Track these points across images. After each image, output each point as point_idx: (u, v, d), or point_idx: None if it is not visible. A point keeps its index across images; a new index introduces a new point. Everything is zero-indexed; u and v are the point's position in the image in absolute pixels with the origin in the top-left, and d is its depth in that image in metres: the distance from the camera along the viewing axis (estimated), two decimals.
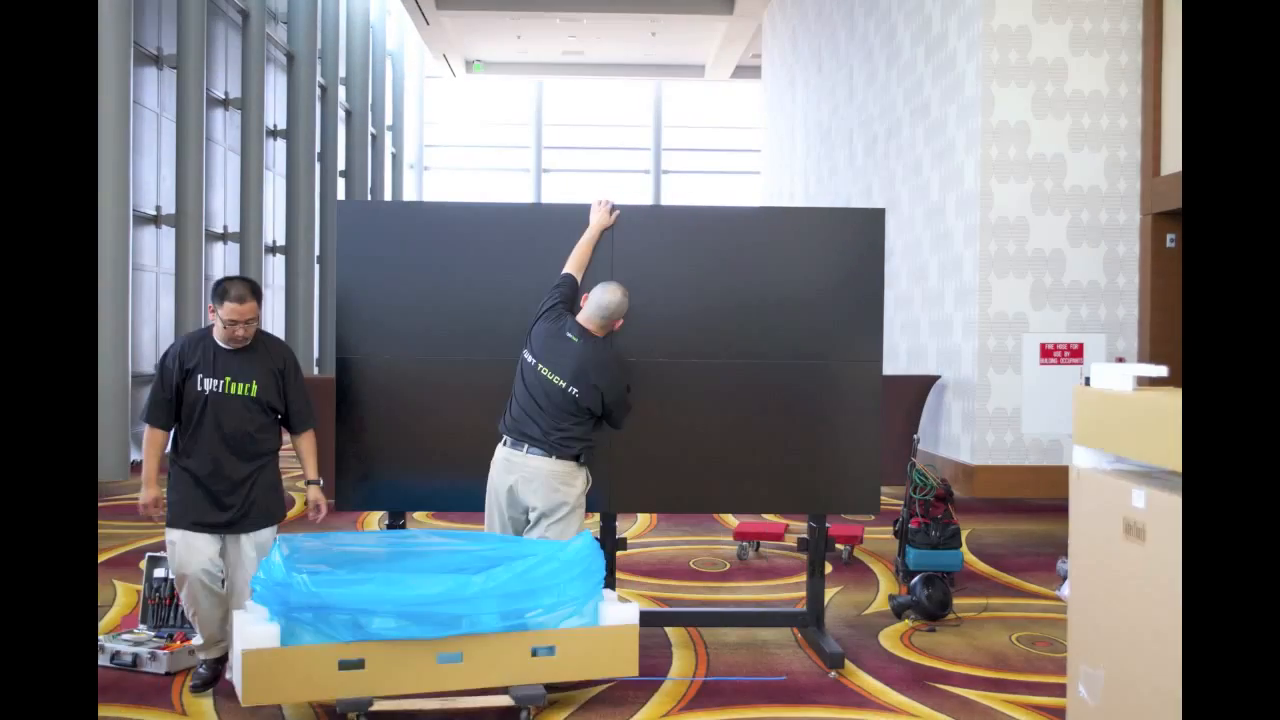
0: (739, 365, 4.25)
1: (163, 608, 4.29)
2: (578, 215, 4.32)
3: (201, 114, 11.46)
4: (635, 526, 7.08)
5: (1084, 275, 8.77)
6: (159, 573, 4.31)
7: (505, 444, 3.93)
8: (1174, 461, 2.16)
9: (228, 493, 3.86)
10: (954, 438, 9.22)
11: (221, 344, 3.87)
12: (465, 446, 4.22)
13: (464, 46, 22.53)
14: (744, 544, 6.07)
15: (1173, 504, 2.16)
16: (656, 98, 26.13)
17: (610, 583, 4.40)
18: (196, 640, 4.01)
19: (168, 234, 11.39)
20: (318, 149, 15.58)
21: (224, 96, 13.02)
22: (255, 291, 3.84)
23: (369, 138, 18.72)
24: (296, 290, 15.13)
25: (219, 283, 3.86)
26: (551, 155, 26.22)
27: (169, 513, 3.88)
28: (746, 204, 22.37)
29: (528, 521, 3.96)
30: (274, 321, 15.07)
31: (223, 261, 13.11)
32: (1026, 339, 8.73)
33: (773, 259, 4.28)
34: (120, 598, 5.00)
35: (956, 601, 5.14)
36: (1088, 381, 2.94)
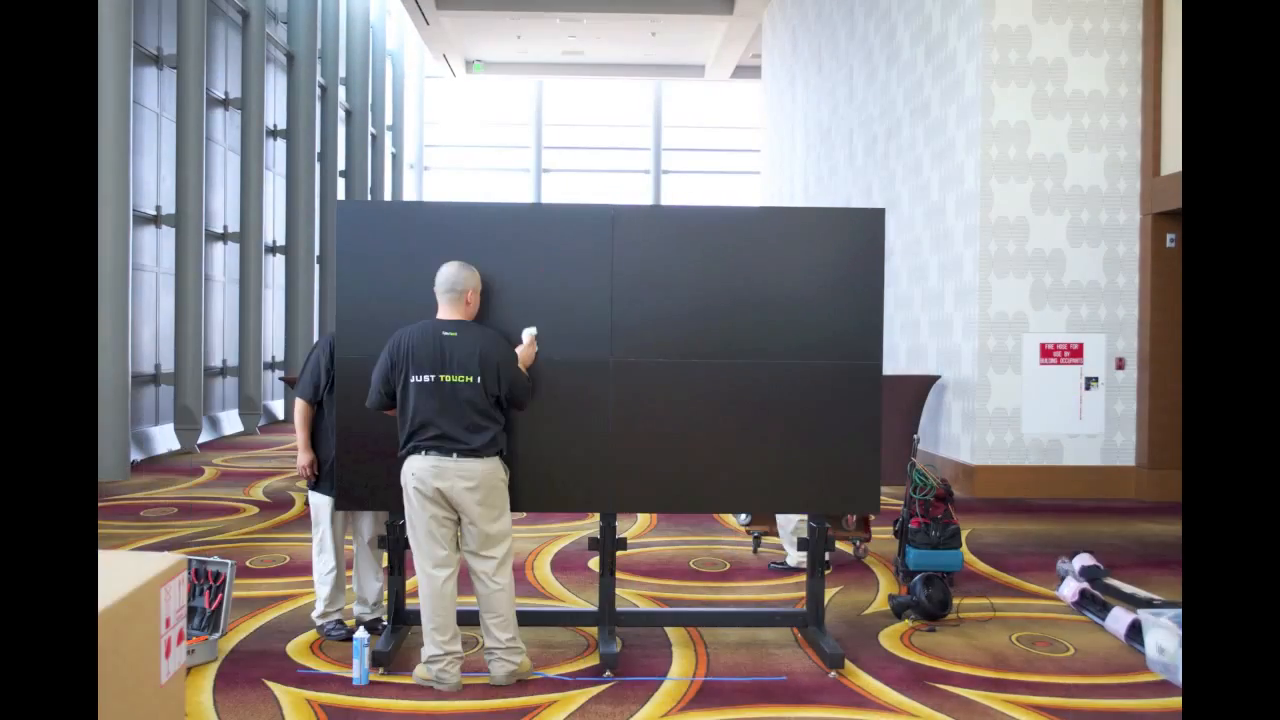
0: (739, 365, 4.25)
1: None
2: (578, 215, 4.32)
3: (201, 114, 11.46)
4: (635, 526, 7.08)
5: (1084, 275, 8.78)
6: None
7: (425, 454, 3.88)
8: None
9: None
10: (954, 438, 9.22)
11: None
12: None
13: (464, 46, 22.53)
14: (757, 533, 6.10)
15: None
16: (656, 98, 26.13)
17: (611, 583, 4.41)
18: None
19: (168, 234, 11.40)
20: (318, 149, 15.58)
21: (224, 96, 13.02)
22: None
23: (369, 138, 18.72)
24: (296, 290, 15.12)
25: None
26: (551, 155, 26.22)
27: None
28: (746, 204, 22.37)
29: (457, 521, 3.97)
30: (274, 321, 15.07)
31: (223, 261, 13.11)
32: (1026, 339, 8.73)
33: (773, 259, 4.28)
34: None
35: (959, 601, 5.14)
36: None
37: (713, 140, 26.23)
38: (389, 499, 4.27)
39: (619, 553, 4.47)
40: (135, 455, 10.00)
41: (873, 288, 4.29)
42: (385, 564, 4.53)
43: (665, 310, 4.23)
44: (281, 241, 15.12)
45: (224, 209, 13.10)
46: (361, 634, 4.04)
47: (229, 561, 4.43)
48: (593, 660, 4.26)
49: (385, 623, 4.42)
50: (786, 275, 4.28)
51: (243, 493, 8.47)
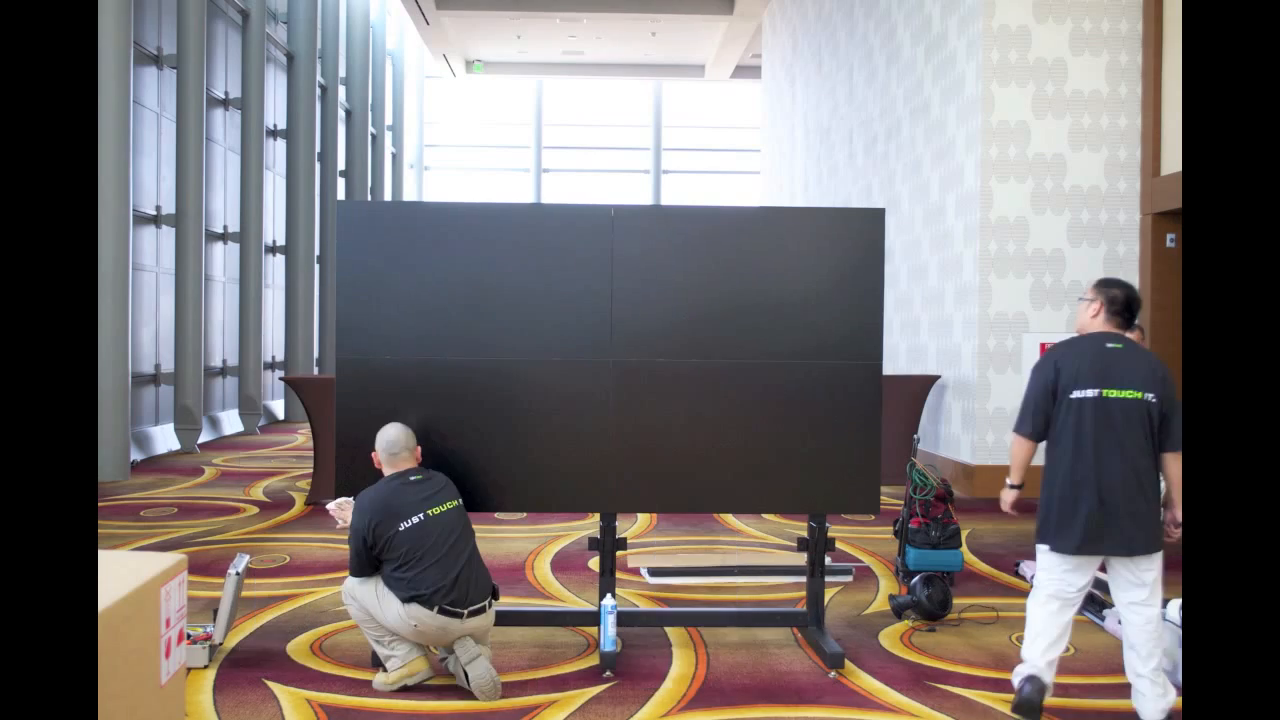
0: (739, 365, 4.25)
1: None
2: (578, 215, 4.32)
3: (201, 114, 11.46)
4: (635, 526, 7.07)
5: (1084, 275, 8.77)
6: None
7: (435, 610, 3.79)
8: None
9: None
10: (954, 438, 9.22)
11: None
12: (465, 446, 4.22)
13: (464, 46, 22.52)
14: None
15: None
16: (656, 98, 26.13)
17: (611, 583, 4.41)
18: None
19: (168, 234, 11.40)
20: (318, 149, 15.57)
21: (224, 96, 13.02)
22: None
23: (369, 138, 18.72)
24: (296, 290, 15.13)
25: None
26: (551, 155, 26.22)
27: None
28: (746, 204, 22.37)
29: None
30: (274, 321, 15.07)
31: (223, 261, 13.11)
32: (1026, 339, 8.72)
33: (773, 259, 4.28)
34: None
35: (962, 601, 5.14)
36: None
37: (713, 140, 26.22)
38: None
39: (619, 553, 4.47)
40: (135, 455, 10.01)
41: (873, 288, 4.29)
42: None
43: (665, 310, 4.23)
44: (281, 241, 15.12)
45: (224, 209, 13.10)
46: (609, 600, 4.11)
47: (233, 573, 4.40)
48: (593, 660, 4.26)
49: None
50: (786, 275, 4.28)
51: (243, 493, 8.47)
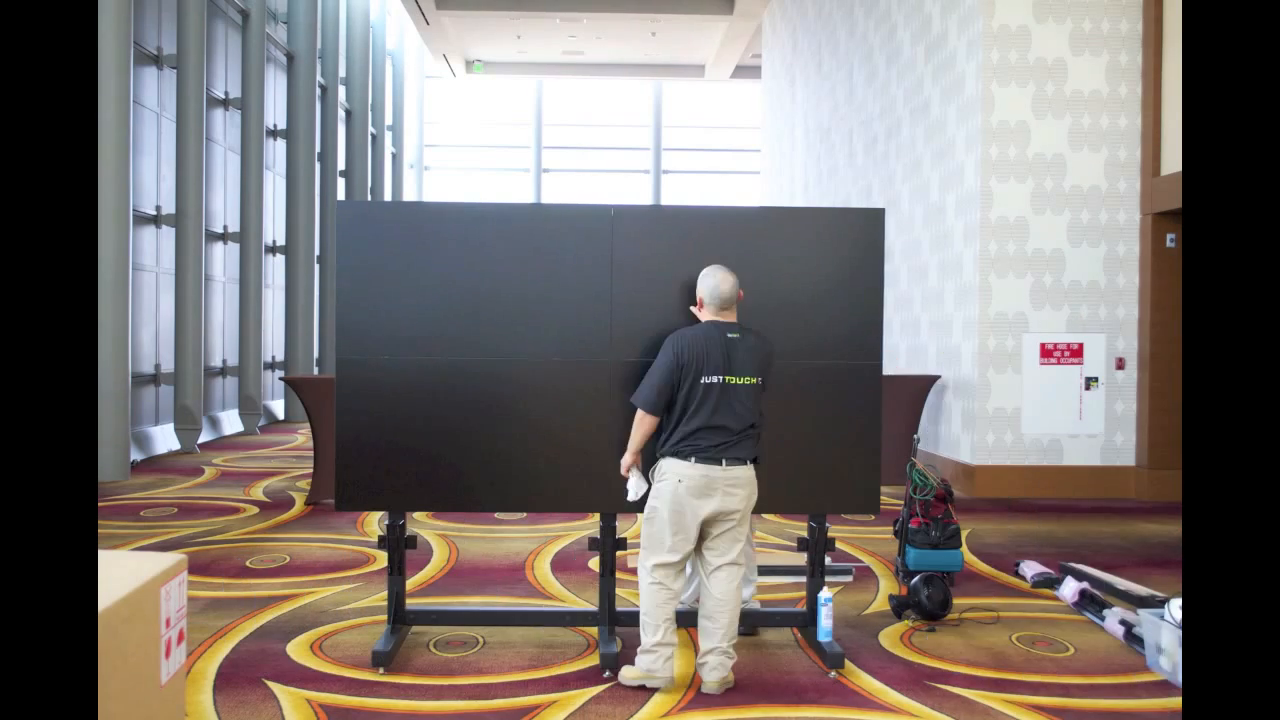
0: None
1: None
2: (578, 215, 4.31)
3: (201, 114, 11.46)
4: (635, 526, 7.08)
5: (1084, 275, 8.78)
6: None
7: (692, 461, 3.88)
8: None
9: None
10: (954, 438, 9.22)
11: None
12: (465, 447, 4.22)
13: (464, 46, 22.53)
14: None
15: None
16: (656, 98, 26.13)
17: (611, 583, 4.41)
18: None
19: (168, 234, 11.40)
20: (318, 149, 15.58)
21: (224, 96, 13.02)
22: None
23: (369, 138, 18.72)
24: (296, 290, 15.13)
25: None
26: (551, 155, 26.22)
27: None
28: (746, 204, 22.37)
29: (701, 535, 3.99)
30: (274, 321, 15.07)
31: (223, 261, 13.11)
32: (1026, 339, 8.73)
33: (773, 259, 4.28)
34: None
35: (962, 601, 5.14)
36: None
37: (713, 140, 26.23)
38: (389, 499, 4.28)
39: (619, 553, 4.47)
40: (135, 455, 10.01)
41: (873, 288, 4.29)
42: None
43: (665, 310, 4.23)
44: (281, 241, 15.12)
45: (224, 209, 13.10)
46: (825, 593, 4.26)
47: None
48: (593, 660, 4.26)
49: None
50: (786, 275, 4.28)
51: (243, 493, 8.48)
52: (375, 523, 6.99)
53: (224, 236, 13.09)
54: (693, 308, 4.09)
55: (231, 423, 13.09)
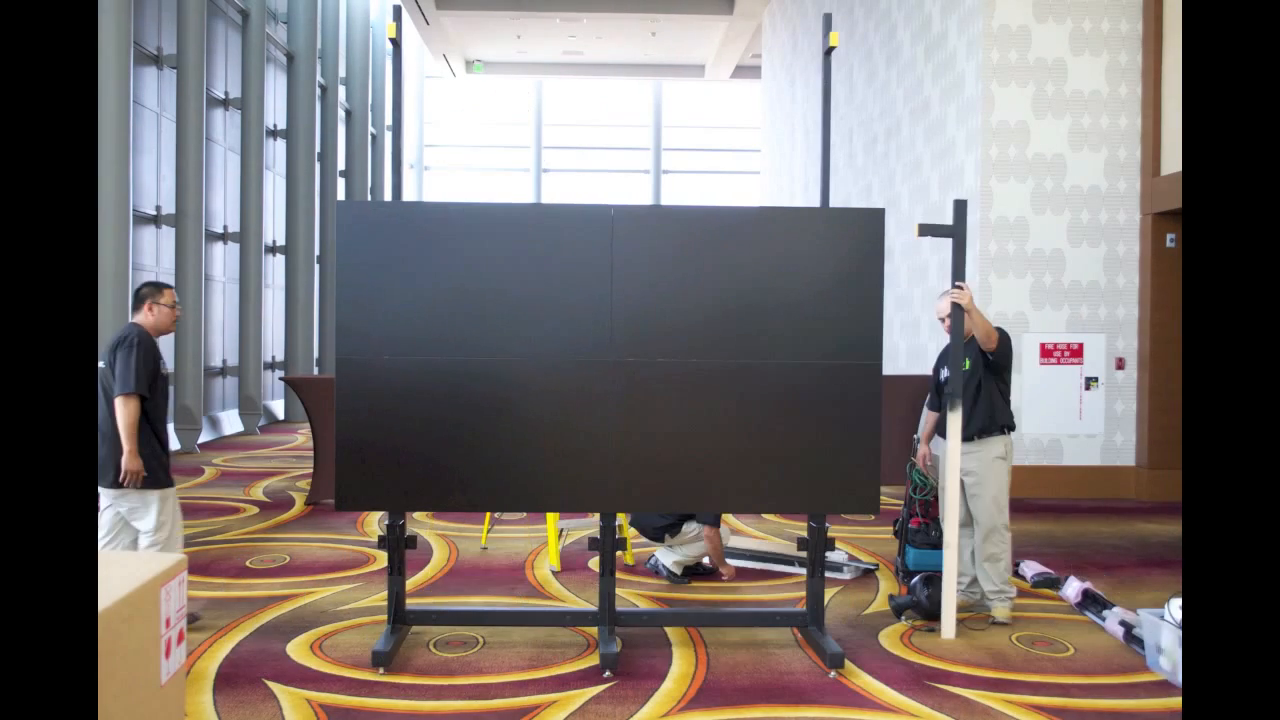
0: (739, 365, 4.25)
1: None
2: (578, 215, 4.31)
3: (201, 114, 11.46)
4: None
5: (1084, 275, 8.77)
6: None
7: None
8: None
9: None
10: None
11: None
12: (465, 447, 4.22)
13: (464, 46, 22.53)
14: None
15: None
16: (656, 98, 26.13)
17: (611, 583, 4.41)
18: None
19: (168, 234, 11.40)
20: (318, 149, 15.58)
21: (224, 96, 13.02)
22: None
23: (369, 138, 18.72)
24: (296, 290, 15.13)
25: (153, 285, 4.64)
26: (551, 155, 26.22)
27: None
28: (746, 204, 22.37)
29: None
30: (274, 321, 15.07)
31: (223, 261, 13.11)
32: (1026, 339, 8.72)
33: (773, 259, 4.27)
34: None
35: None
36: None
37: (713, 140, 26.23)
38: (389, 499, 4.27)
39: (619, 553, 4.47)
40: None
41: (873, 288, 4.29)
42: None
43: (665, 310, 4.23)
44: (281, 241, 15.12)
45: (224, 209, 13.10)
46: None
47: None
48: (593, 660, 4.26)
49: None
50: (786, 275, 4.28)
51: (243, 493, 8.48)
52: (375, 523, 6.99)
53: (224, 236, 13.08)
54: None
55: (231, 423, 13.09)
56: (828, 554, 4.79)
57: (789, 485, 4.31)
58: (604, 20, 20.17)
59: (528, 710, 3.74)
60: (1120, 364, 8.77)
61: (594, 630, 4.60)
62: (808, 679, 4.09)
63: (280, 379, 10.48)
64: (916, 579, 4.97)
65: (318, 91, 15.51)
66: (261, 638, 4.56)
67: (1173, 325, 8.58)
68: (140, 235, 10.73)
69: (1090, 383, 8.77)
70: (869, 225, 4.32)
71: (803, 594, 5.01)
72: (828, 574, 5.59)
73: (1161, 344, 8.63)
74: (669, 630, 4.67)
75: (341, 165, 17.56)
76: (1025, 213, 8.73)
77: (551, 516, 5.97)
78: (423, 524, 6.89)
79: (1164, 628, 4.16)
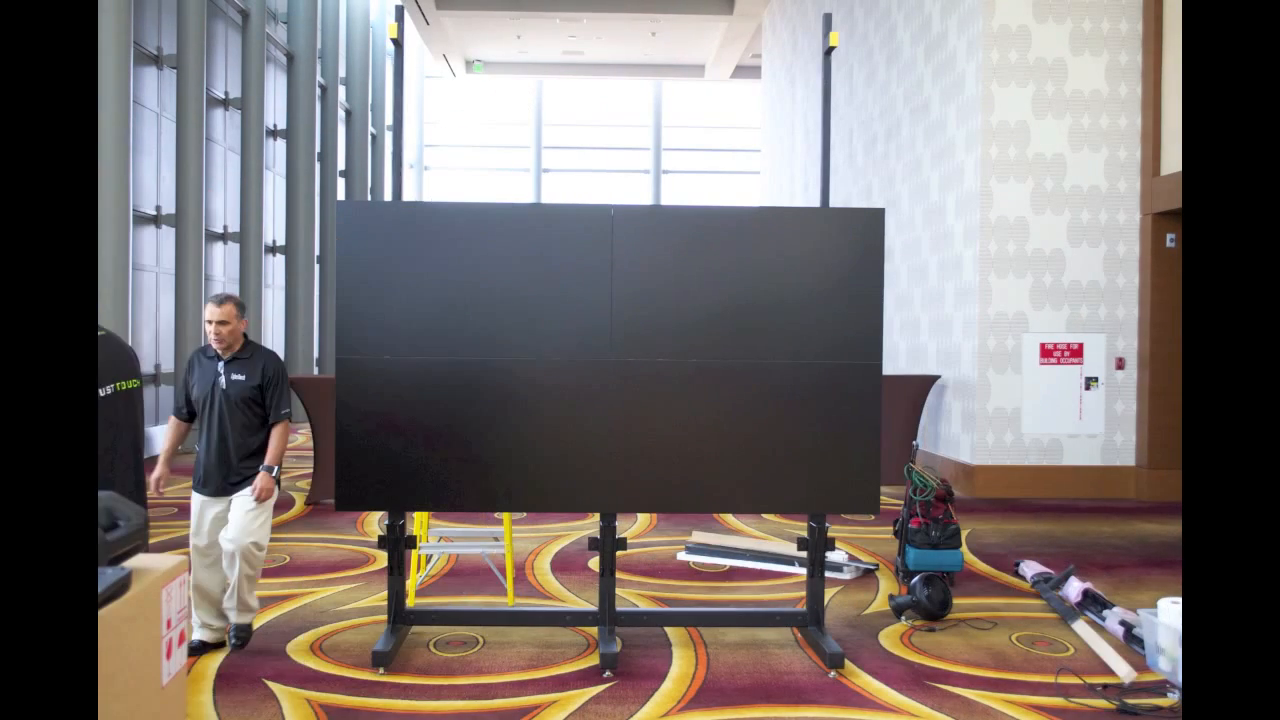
0: (739, 365, 4.25)
1: None
2: (578, 215, 4.31)
3: (201, 114, 11.46)
4: (635, 526, 7.08)
5: (1084, 275, 8.77)
6: None
7: None
8: None
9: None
10: (954, 438, 9.22)
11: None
12: (465, 446, 4.22)
13: (464, 46, 22.53)
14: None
15: None
16: (656, 98, 26.13)
17: (611, 583, 4.41)
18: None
19: (168, 234, 11.40)
20: (318, 149, 15.58)
21: (224, 96, 13.02)
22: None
23: (369, 138, 18.72)
24: (296, 290, 15.13)
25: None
26: (551, 155, 26.23)
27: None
28: (746, 204, 22.37)
29: None
30: (274, 321, 15.06)
31: (223, 261, 13.11)
32: (1026, 339, 8.73)
33: (772, 259, 4.28)
34: None
35: (962, 601, 5.13)
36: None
37: (713, 140, 26.23)
38: (389, 499, 4.27)
39: (619, 553, 4.47)
40: None
41: (873, 288, 4.29)
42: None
43: (665, 310, 4.23)
44: (281, 241, 15.12)
45: (224, 209, 13.10)
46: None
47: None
48: (593, 660, 4.26)
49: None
50: (786, 275, 4.28)
51: None
52: (375, 523, 6.98)
53: (224, 236, 13.08)
54: None
55: None
56: (828, 554, 4.79)
57: (789, 485, 4.31)
58: (604, 20, 20.18)
59: (528, 710, 3.74)
60: (1120, 364, 8.77)
61: (594, 630, 4.60)
62: (807, 679, 4.09)
63: None
64: (916, 579, 4.97)
65: (318, 91, 15.51)
66: (261, 638, 4.56)
67: (1173, 325, 8.58)
68: (140, 235, 10.73)
69: (1090, 383, 8.77)
70: (869, 225, 4.32)
71: (803, 594, 5.01)
72: (828, 574, 5.59)
73: (1161, 344, 8.63)
74: (669, 630, 4.67)
75: (341, 165, 17.57)
76: (1025, 213, 8.73)
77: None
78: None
79: (1159, 627, 4.16)
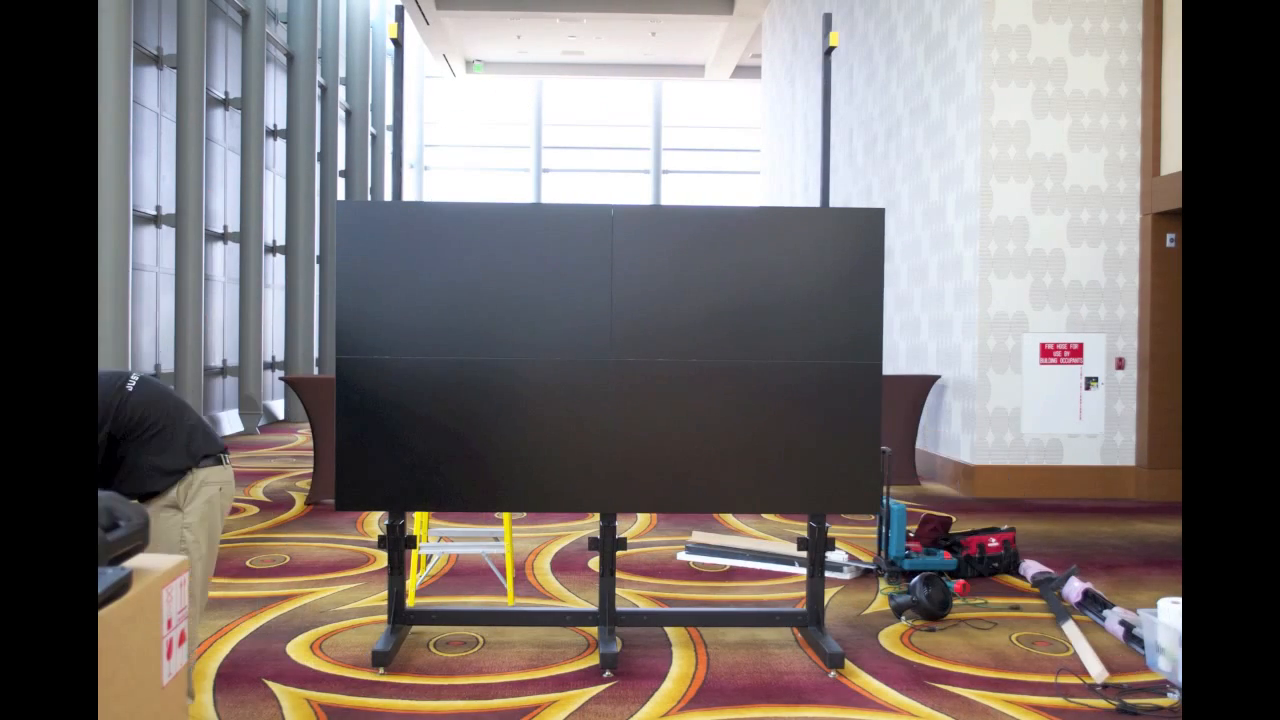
0: (739, 365, 4.25)
1: None
2: (578, 215, 4.32)
3: (201, 114, 11.46)
4: (635, 526, 7.08)
5: (1084, 275, 8.78)
6: None
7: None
8: None
9: None
10: (954, 438, 9.22)
11: None
12: (465, 446, 4.22)
13: (464, 46, 22.53)
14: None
15: None
16: (656, 98, 26.13)
17: (611, 583, 4.41)
18: None
19: (168, 234, 11.40)
20: (318, 149, 15.58)
21: (224, 96, 13.02)
22: None
23: (369, 138, 18.72)
24: (296, 290, 15.13)
25: None
26: (551, 155, 26.23)
27: None
28: (746, 204, 22.37)
29: None
30: (274, 321, 15.06)
31: (223, 261, 13.11)
32: (1026, 339, 8.73)
33: (772, 259, 4.28)
34: None
35: (964, 602, 5.13)
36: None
37: (713, 140, 26.24)
38: (389, 499, 4.27)
39: (619, 553, 4.47)
40: None
41: (873, 288, 4.29)
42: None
43: (665, 310, 4.23)
44: (281, 241, 15.12)
45: (224, 209, 13.10)
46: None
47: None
48: (593, 660, 4.26)
49: None
50: (786, 275, 4.28)
51: (243, 493, 8.47)
52: (375, 523, 6.99)
53: (224, 236, 13.09)
54: None
55: (231, 422, 13.09)
56: (828, 554, 4.79)
57: (789, 485, 4.31)
58: (604, 20, 20.18)
59: (528, 710, 3.74)
60: (1120, 364, 8.77)
61: (594, 630, 4.60)
62: (807, 679, 4.09)
63: (280, 379, 10.49)
64: (916, 579, 4.97)
65: (318, 91, 15.51)
66: (261, 638, 4.56)
67: (1173, 325, 8.58)
68: (140, 235, 10.73)
69: (1090, 383, 8.77)
70: (869, 225, 4.32)
71: (803, 594, 5.01)
72: (828, 574, 5.59)
73: (1161, 344, 8.63)
74: (669, 630, 4.67)
75: (341, 165, 17.57)
76: (1025, 213, 8.73)
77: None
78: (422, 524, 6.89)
79: (1159, 627, 4.16)
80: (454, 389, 4.23)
